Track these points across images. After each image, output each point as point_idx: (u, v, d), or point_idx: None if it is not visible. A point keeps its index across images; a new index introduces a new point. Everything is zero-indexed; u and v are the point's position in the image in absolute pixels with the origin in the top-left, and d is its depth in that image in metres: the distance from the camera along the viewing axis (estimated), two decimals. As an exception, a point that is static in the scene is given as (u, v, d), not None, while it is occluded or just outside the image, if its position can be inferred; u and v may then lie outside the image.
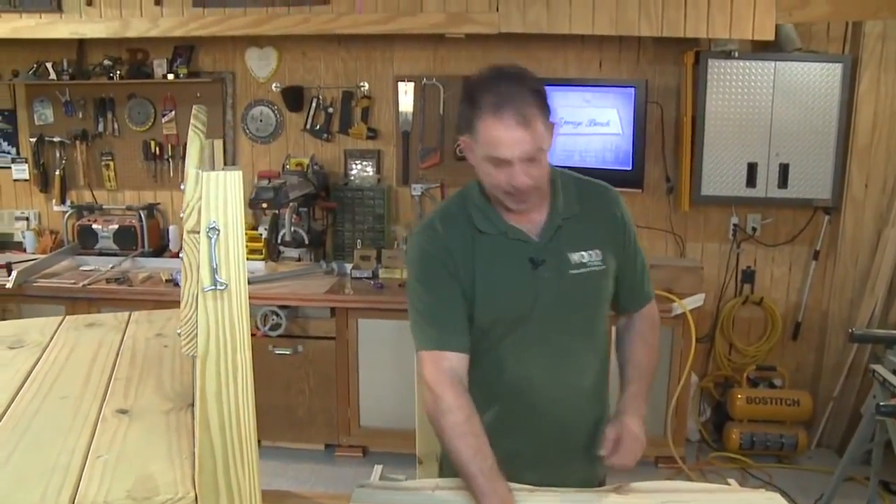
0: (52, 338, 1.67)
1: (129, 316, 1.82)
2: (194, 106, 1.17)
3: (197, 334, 0.97)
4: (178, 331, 0.97)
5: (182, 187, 0.92)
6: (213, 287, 0.95)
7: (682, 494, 1.76)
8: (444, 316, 1.77)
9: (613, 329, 1.99)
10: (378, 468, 1.90)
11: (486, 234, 1.76)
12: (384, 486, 1.77)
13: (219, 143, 1.61)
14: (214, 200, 0.94)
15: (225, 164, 4.34)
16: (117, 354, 1.56)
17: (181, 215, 0.92)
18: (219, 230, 0.94)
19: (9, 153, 4.64)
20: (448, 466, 1.98)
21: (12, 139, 4.63)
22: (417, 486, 1.79)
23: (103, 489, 1.02)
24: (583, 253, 1.77)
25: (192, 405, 1.30)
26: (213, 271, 0.94)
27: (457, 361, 1.75)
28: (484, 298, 1.77)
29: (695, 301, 3.75)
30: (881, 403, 2.85)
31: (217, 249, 0.94)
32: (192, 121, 1.05)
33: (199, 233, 0.95)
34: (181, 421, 1.23)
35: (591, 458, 1.85)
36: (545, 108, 1.66)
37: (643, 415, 1.82)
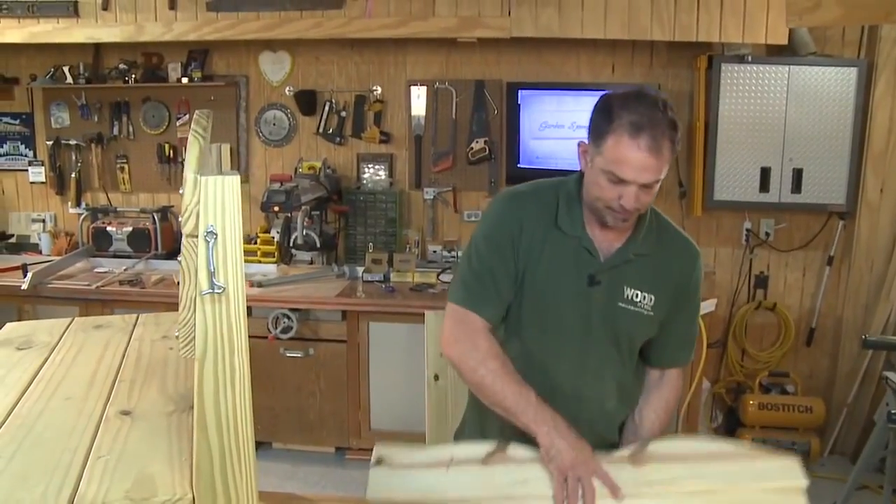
0: (60, 339, 1.69)
1: (137, 318, 1.84)
2: (196, 111, 1.19)
3: (195, 337, 0.98)
4: (176, 333, 0.98)
5: (181, 192, 0.93)
6: (210, 290, 0.96)
7: (699, 465, 1.67)
8: (490, 282, 1.79)
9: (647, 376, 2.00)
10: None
11: (562, 232, 1.78)
12: (400, 465, 1.69)
13: (226, 148, 1.63)
14: (213, 205, 0.95)
15: (238, 167, 4.39)
16: (123, 356, 1.57)
17: (179, 219, 0.93)
18: (216, 234, 0.95)
19: (26, 156, 4.70)
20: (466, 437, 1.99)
21: (29, 142, 4.69)
22: (431, 460, 1.70)
23: (102, 489, 1.03)
24: (637, 292, 1.78)
25: (194, 407, 1.31)
26: (211, 275, 0.95)
27: (483, 326, 1.79)
28: (532, 289, 1.79)
29: (706, 306, 3.72)
30: (893, 412, 2.83)
31: (215, 253, 0.95)
32: (192, 125, 1.06)
33: (197, 237, 0.96)
34: (183, 423, 1.24)
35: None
36: (675, 140, 1.64)
37: None
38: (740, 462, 1.68)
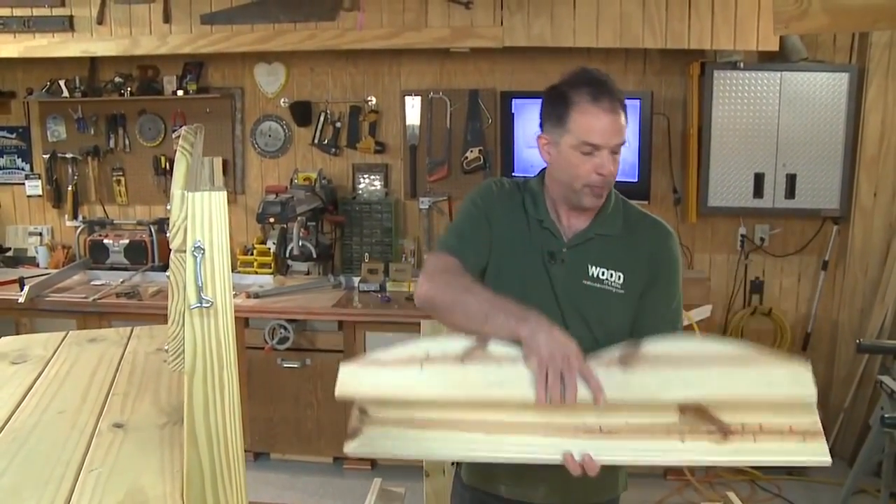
0: (54, 353, 1.69)
1: (132, 331, 1.85)
2: (184, 127, 1.20)
3: (184, 351, 0.99)
4: (166, 347, 0.99)
5: (168, 207, 0.95)
6: (198, 305, 0.97)
7: (695, 370, 1.49)
8: (468, 239, 1.81)
9: None
10: (377, 481, 1.91)
11: (526, 213, 1.82)
12: (372, 362, 1.60)
13: (218, 161, 1.64)
14: (200, 220, 0.96)
15: (234, 179, 4.39)
16: (117, 369, 1.58)
17: (167, 234, 0.94)
18: (204, 249, 0.96)
19: (22, 169, 4.72)
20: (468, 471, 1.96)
21: (26, 156, 4.71)
22: (405, 356, 1.56)
23: (94, 502, 1.04)
24: (603, 270, 1.77)
25: (187, 419, 1.32)
26: (199, 289, 0.96)
27: (460, 264, 1.78)
28: (496, 267, 1.81)
29: (701, 312, 3.74)
30: (887, 415, 2.84)
31: (203, 268, 0.96)
32: (180, 141, 1.07)
33: (184, 252, 0.97)
34: (175, 435, 1.25)
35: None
36: (626, 110, 1.72)
37: None
38: (742, 367, 1.49)
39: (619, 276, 1.78)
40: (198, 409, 1.00)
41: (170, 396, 1.43)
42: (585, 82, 1.70)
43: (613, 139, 1.68)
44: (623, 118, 1.70)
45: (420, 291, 1.75)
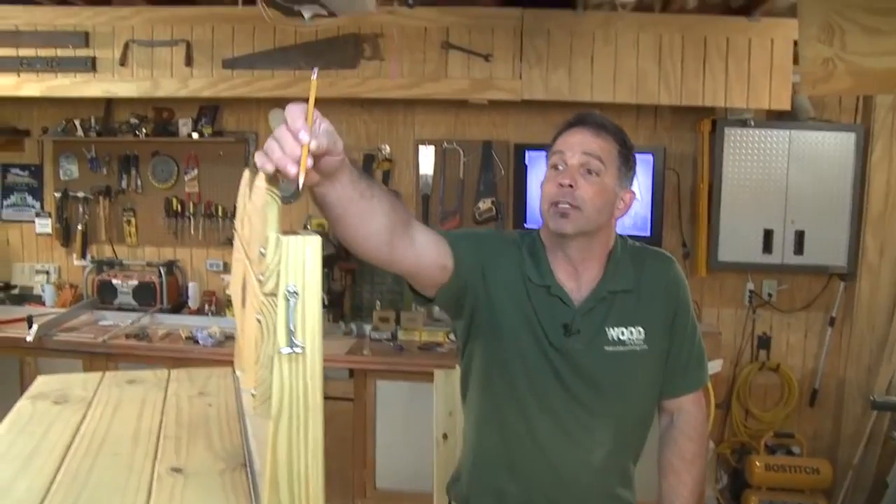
0: (94, 394, 1.68)
1: (169, 373, 1.84)
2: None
3: (271, 396, 0.99)
4: (252, 392, 1.00)
5: (262, 251, 0.96)
6: (290, 349, 0.97)
7: None
8: (463, 245, 1.67)
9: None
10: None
11: (532, 283, 1.72)
12: None
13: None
14: (294, 265, 0.97)
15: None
16: (162, 412, 1.57)
17: (259, 277, 0.95)
18: (298, 294, 0.97)
19: (33, 207, 4.71)
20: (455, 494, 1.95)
21: (37, 193, 4.71)
22: None
23: (169, 548, 1.03)
24: (623, 329, 1.70)
25: (245, 465, 1.31)
26: (291, 334, 0.97)
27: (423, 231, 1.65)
28: (499, 345, 1.72)
29: (713, 367, 3.74)
30: (909, 473, 2.83)
31: (295, 313, 0.97)
32: (266, 186, 1.09)
33: (276, 295, 0.98)
34: (237, 481, 1.24)
35: None
36: (619, 138, 1.70)
37: None
38: None
39: (640, 332, 1.72)
40: (281, 454, 1.00)
41: (223, 441, 1.42)
42: (576, 117, 1.74)
43: (581, 148, 1.66)
44: (603, 137, 1.67)
45: None
